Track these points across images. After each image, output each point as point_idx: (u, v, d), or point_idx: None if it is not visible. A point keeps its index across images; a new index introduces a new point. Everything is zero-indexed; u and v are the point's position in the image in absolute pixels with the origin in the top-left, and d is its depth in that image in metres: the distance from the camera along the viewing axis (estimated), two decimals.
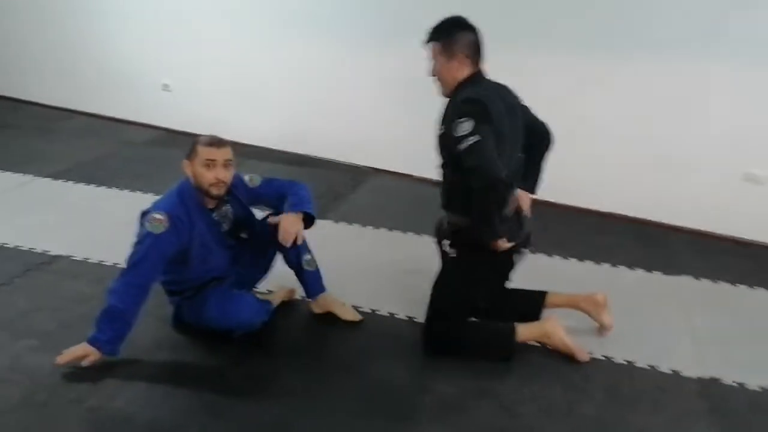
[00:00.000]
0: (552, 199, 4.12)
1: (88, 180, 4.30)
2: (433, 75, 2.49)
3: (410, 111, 4.41)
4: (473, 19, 2.36)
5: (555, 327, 2.60)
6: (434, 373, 2.51)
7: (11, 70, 6.02)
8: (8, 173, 4.35)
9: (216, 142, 2.43)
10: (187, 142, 5.01)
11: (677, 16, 3.55)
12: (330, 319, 2.80)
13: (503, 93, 2.49)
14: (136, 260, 2.35)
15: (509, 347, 2.59)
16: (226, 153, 2.44)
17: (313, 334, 2.76)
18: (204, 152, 2.41)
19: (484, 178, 2.22)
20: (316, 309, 2.83)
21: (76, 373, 2.38)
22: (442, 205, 2.58)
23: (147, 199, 3.95)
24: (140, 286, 2.37)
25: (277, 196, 2.67)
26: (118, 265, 3.12)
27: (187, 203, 2.44)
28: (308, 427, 2.19)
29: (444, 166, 2.50)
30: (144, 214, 2.43)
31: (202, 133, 5.09)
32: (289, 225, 2.51)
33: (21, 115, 5.75)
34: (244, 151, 4.82)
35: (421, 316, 2.76)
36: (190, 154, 2.46)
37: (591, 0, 3.74)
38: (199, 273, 2.55)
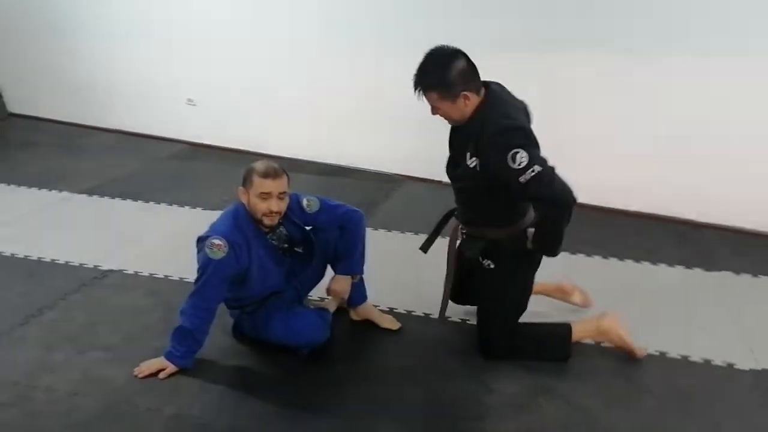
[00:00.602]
0: (584, 201, 4.18)
1: (123, 195, 4.35)
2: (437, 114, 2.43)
3: (437, 117, 4.47)
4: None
5: (613, 324, 2.65)
6: (494, 373, 2.56)
7: (28, 88, 6.05)
8: (44, 190, 4.40)
9: (272, 174, 2.41)
10: (214, 155, 5.21)
11: (709, 11, 3.60)
12: (371, 325, 2.86)
13: (511, 97, 2.50)
14: (200, 285, 2.42)
15: (567, 348, 2.64)
16: (281, 185, 2.43)
17: (365, 340, 2.80)
18: (259, 185, 2.40)
19: (558, 204, 2.31)
20: (355, 316, 2.89)
21: (149, 384, 2.44)
22: (467, 222, 2.62)
23: (184, 213, 4.09)
24: (206, 308, 2.46)
25: (335, 227, 2.69)
26: (170, 278, 3.22)
27: (244, 228, 2.47)
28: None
29: (471, 190, 2.52)
30: (201, 240, 2.44)
31: (230, 147, 5.22)
32: (339, 287, 2.72)
33: (41, 133, 5.79)
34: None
35: (472, 318, 2.84)
36: (246, 183, 2.45)
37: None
38: (257, 291, 2.61)
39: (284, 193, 2.45)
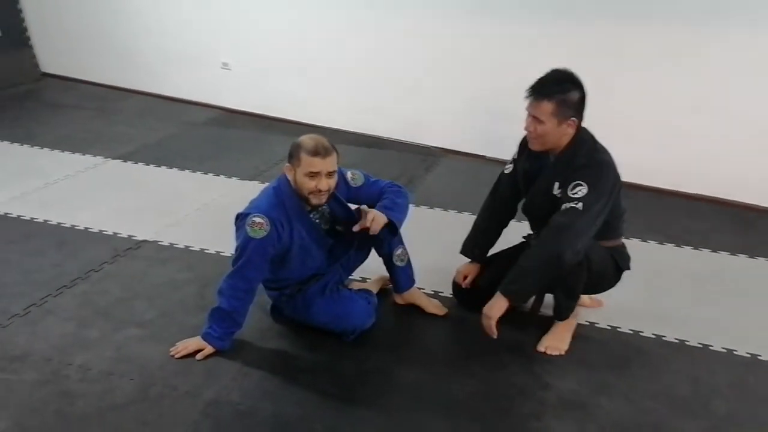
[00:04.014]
0: (638, 181, 3.98)
1: (158, 162, 4.23)
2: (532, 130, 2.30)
3: (482, 89, 4.28)
4: None
5: None
6: (548, 366, 2.41)
7: (63, 49, 5.93)
8: (77, 155, 4.30)
9: (321, 151, 2.22)
10: (249, 122, 5.07)
11: None
12: (416, 310, 2.71)
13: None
14: (240, 265, 2.28)
15: None
16: (331, 163, 2.25)
17: (411, 326, 2.65)
18: (308, 163, 2.22)
19: (565, 238, 2.22)
20: (399, 300, 2.74)
21: (187, 365, 2.33)
22: None
23: (219, 182, 3.97)
24: (245, 289, 2.33)
25: (376, 199, 2.51)
26: (206, 251, 3.12)
27: (286, 205, 2.31)
28: (442, 427, 2.11)
29: None
30: (241, 217, 2.29)
31: (266, 114, 5.07)
32: (375, 217, 2.37)
33: (75, 94, 5.68)
34: (307, 132, 4.71)
35: (521, 307, 2.70)
36: (293, 159, 2.28)
37: None
38: (297, 273, 2.47)
39: (333, 171, 2.28)
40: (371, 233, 2.36)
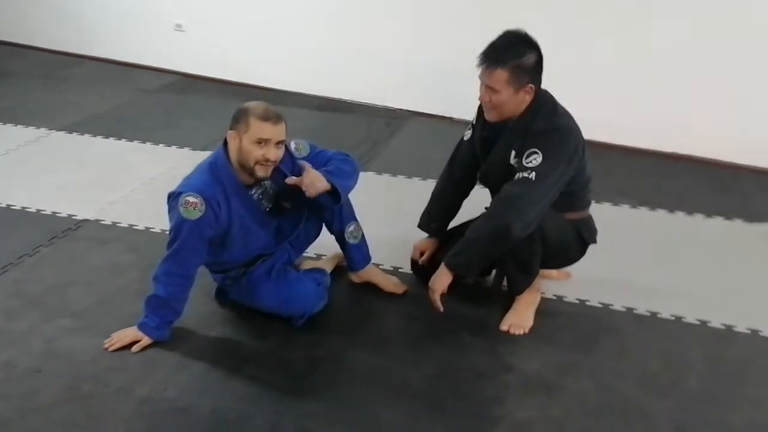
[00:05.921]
0: (609, 140, 3.82)
1: (107, 133, 3.99)
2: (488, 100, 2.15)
3: (446, 47, 4.07)
4: None
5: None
6: (512, 347, 2.26)
7: (10, 13, 5.59)
8: (20, 127, 4.04)
9: (272, 117, 2.06)
10: (206, 87, 4.81)
11: None
12: (373, 289, 2.53)
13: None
14: (175, 248, 2.10)
15: None
16: (281, 131, 2.09)
17: (366, 307, 2.48)
18: (257, 129, 2.05)
19: (514, 210, 2.09)
20: (355, 279, 2.57)
21: (121, 358, 2.15)
22: None
23: (171, 153, 3.75)
24: (183, 275, 2.15)
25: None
26: (151, 230, 2.92)
27: (223, 182, 2.12)
28: (396, 416, 1.95)
29: None
30: (173, 196, 2.09)
31: (222, 78, 4.81)
32: (315, 178, 2.16)
33: (23, 61, 5.37)
34: (268, 96, 4.49)
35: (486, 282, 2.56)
36: (239, 125, 2.08)
37: None
38: (241, 256, 2.29)
39: (282, 141, 2.11)
40: (307, 195, 2.15)
